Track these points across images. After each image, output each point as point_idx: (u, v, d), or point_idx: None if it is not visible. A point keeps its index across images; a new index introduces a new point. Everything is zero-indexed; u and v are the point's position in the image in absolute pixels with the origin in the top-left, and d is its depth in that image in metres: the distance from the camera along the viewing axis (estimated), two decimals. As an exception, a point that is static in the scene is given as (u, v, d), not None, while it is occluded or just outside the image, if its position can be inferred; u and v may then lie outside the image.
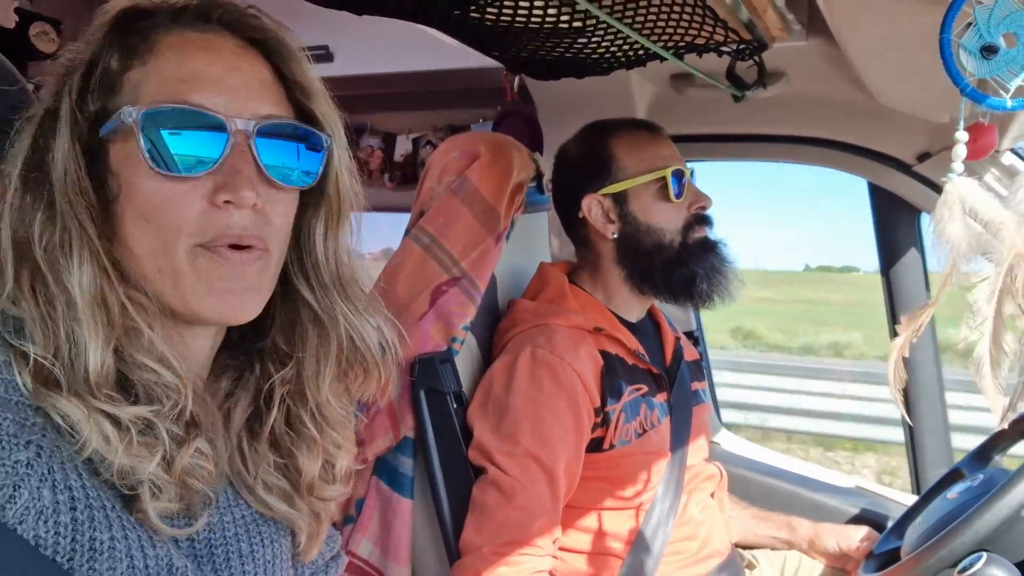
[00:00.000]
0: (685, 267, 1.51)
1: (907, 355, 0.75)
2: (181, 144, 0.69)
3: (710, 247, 1.54)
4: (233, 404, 0.83)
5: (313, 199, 0.81)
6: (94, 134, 0.70)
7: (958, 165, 0.66)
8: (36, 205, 0.68)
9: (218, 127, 0.70)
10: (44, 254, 0.66)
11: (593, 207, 1.55)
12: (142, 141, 0.68)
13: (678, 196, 1.52)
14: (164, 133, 0.68)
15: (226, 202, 0.70)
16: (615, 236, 1.54)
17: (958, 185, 0.65)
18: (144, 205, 0.70)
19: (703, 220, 1.55)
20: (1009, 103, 0.63)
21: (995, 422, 0.71)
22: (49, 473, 0.62)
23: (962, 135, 0.66)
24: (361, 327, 0.83)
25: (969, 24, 0.63)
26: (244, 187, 0.70)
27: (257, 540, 0.82)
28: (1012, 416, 0.71)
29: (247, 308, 0.74)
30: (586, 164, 1.57)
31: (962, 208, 0.64)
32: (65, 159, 0.68)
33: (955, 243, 0.63)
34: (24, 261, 0.67)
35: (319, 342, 0.82)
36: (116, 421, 0.65)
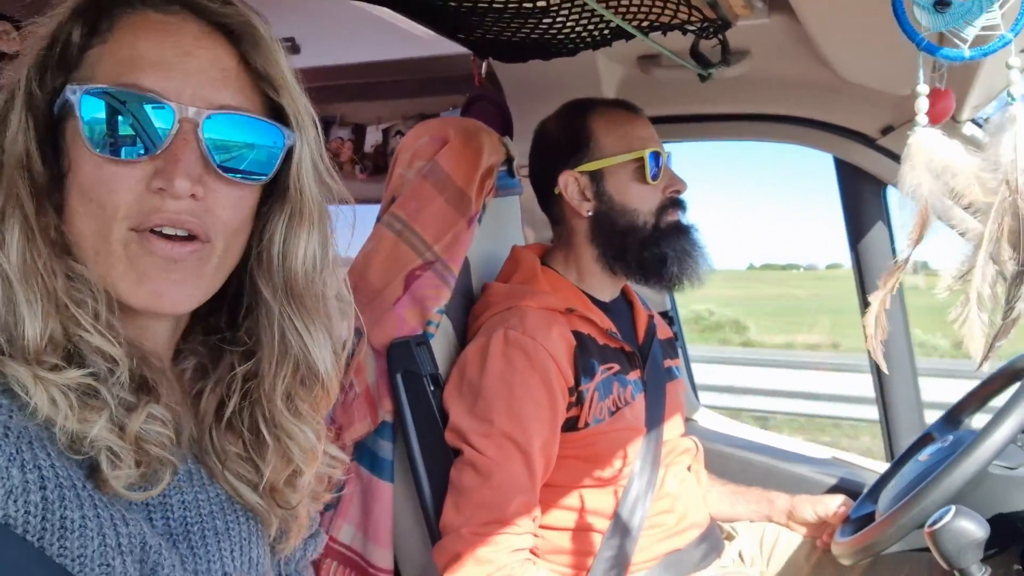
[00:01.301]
0: (657, 248, 1.52)
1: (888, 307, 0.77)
2: (122, 127, 0.68)
3: (683, 231, 1.55)
4: (202, 388, 0.82)
5: (276, 198, 0.79)
6: (50, 109, 0.70)
7: (922, 118, 0.67)
8: None
9: (162, 112, 0.69)
10: None
11: (569, 184, 1.56)
12: (81, 121, 0.68)
13: (654, 178, 1.53)
14: (105, 115, 0.67)
15: (160, 189, 0.69)
16: (590, 214, 1.55)
17: (920, 136, 0.66)
18: (85, 184, 0.69)
19: (677, 204, 1.56)
20: (967, 52, 0.64)
21: (979, 363, 0.72)
22: (18, 453, 0.61)
23: (923, 88, 0.67)
24: (311, 343, 0.80)
25: (922, -21, 0.64)
26: (179, 176, 0.68)
27: (232, 518, 0.82)
28: (991, 358, 0.72)
29: (178, 300, 0.72)
30: (564, 141, 1.58)
31: (926, 158, 0.65)
32: (15, 131, 0.69)
33: (920, 191, 0.65)
34: None
35: (275, 345, 0.80)
36: (62, 387, 0.64)
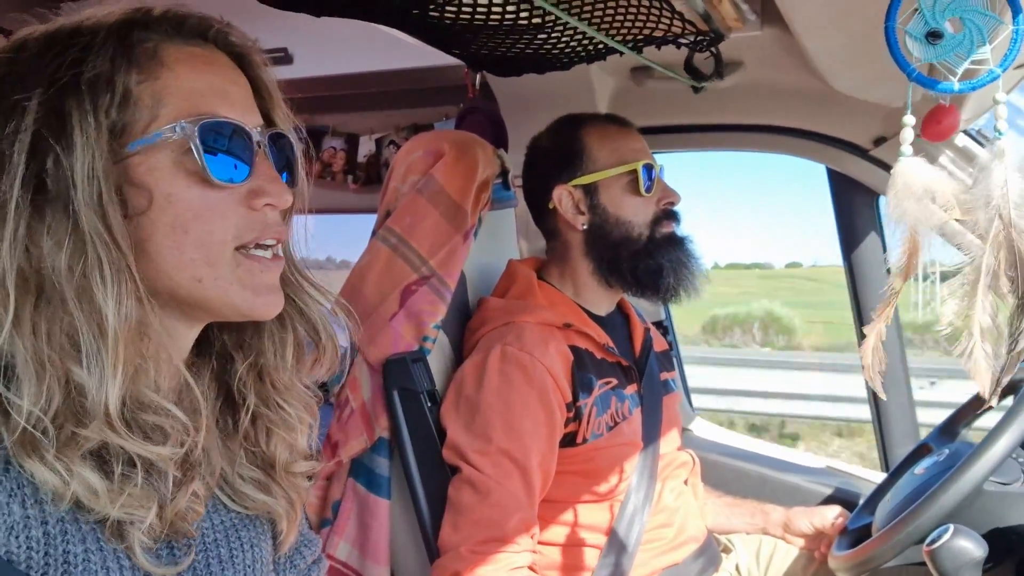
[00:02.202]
0: (652, 260, 1.53)
1: (884, 339, 0.77)
2: (223, 153, 0.71)
3: (677, 242, 1.56)
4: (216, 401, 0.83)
5: None
6: (113, 148, 0.68)
7: (906, 148, 0.67)
8: (53, 231, 0.64)
9: (246, 136, 0.73)
10: (71, 285, 0.63)
11: (563, 198, 1.56)
12: (196, 152, 0.69)
13: (648, 190, 1.54)
14: (206, 144, 0.70)
15: (267, 205, 0.74)
16: (584, 227, 1.56)
17: (906, 165, 0.66)
18: (183, 216, 0.69)
19: (671, 215, 1.57)
20: (956, 86, 0.64)
21: (986, 398, 0.73)
22: (19, 488, 0.61)
23: (909, 119, 0.68)
24: (316, 311, 0.85)
25: (915, 10, 0.65)
26: (284, 191, 0.74)
27: (236, 545, 0.82)
28: (998, 391, 0.73)
29: (280, 304, 0.78)
30: (558, 155, 1.59)
31: (910, 187, 0.65)
32: (90, 177, 0.65)
33: (908, 221, 0.65)
34: (28, 295, 0.64)
35: (280, 332, 0.84)
36: (106, 470, 0.64)
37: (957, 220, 0.66)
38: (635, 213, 1.54)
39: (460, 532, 1.33)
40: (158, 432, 0.67)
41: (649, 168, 1.54)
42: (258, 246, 0.74)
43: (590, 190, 1.55)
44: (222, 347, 0.84)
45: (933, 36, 0.64)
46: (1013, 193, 0.63)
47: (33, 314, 0.63)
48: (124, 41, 0.70)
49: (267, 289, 0.75)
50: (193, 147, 0.69)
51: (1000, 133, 0.64)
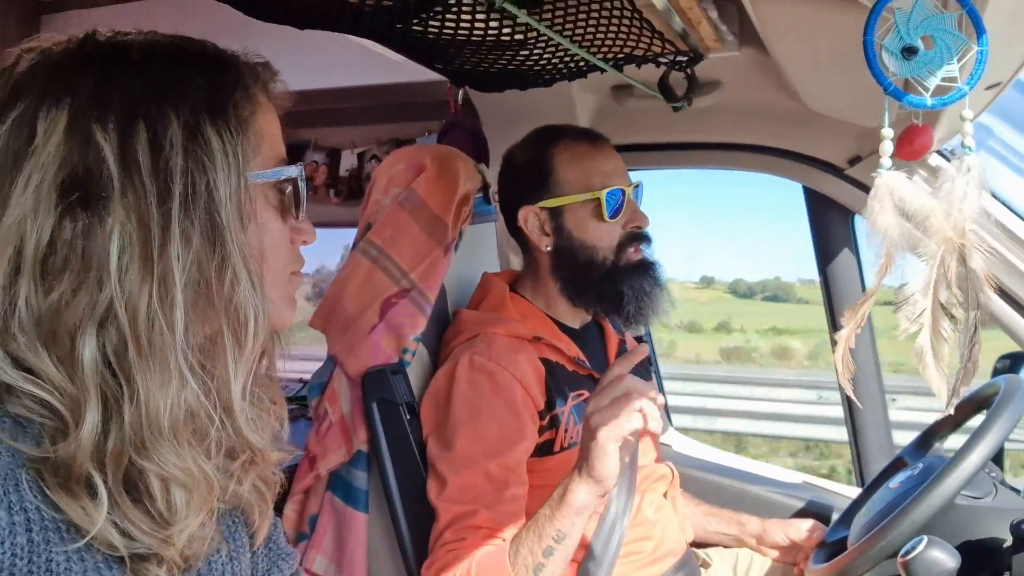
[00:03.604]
0: (615, 285, 1.52)
1: (852, 346, 0.79)
2: (297, 194, 0.79)
3: (642, 268, 1.54)
4: None
5: None
6: (245, 174, 0.71)
7: (886, 160, 0.69)
8: (207, 250, 0.67)
9: (302, 179, 0.80)
10: (228, 304, 0.69)
11: (530, 219, 1.57)
12: (298, 192, 0.78)
13: (612, 216, 1.52)
14: (295, 185, 0.78)
15: (303, 242, 0.82)
16: (548, 249, 1.56)
17: (887, 179, 0.68)
18: (267, 244, 0.75)
19: (638, 239, 1.56)
20: (929, 101, 0.66)
21: (942, 407, 0.75)
22: (5, 495, 0.61)
23: (888, 132, 0.70)
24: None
25: (890, 27, 0.67)
26: (312, 229, 0.83)
27: (229, 539, 0.82)
28: (956, 401, 0.75)
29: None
30: (527, 174, 1.59)
31: (891, 200, 0.67)
32: (233, 199, 0.69)
33: (887, 233, 0.67)
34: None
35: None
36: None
37: (930, 232, 0.68)
38: (600, 238, 1.53)
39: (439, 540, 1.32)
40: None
41: (617, 193, 1.53)
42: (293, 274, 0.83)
43: (555, 213, 1.55)
44: None
45: (908, 52, 0.65)
46: (970, 208, 0.65)
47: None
48: (247, 76, 0.75)
49: (294, 301, 0.83)
50: (299, 187, 0.78)
51: (969, 149, 0.66)
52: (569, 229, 1.54)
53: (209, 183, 0.67)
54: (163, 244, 0.65)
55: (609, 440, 1.14)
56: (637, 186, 1.59)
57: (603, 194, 1.51)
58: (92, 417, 0.63)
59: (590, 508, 1.19)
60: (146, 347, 0.64)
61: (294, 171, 0.77)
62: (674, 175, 1.85)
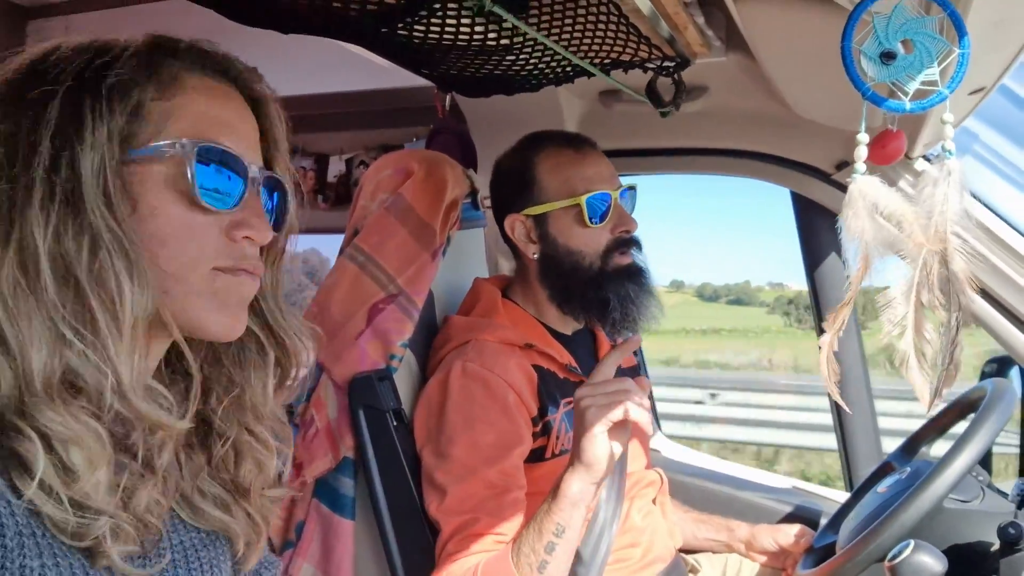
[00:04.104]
0: (600, 292, 1.51)
1: (836, 349, 0.79)
2: (214, 180, 0.73)
3: (630, 274, 1.53)
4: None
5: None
6: (119, 152, 0.70)
7: (860, 165, 0.69)
8: (67, 221, 0.67)
9: (241, 169, 0.75)
10: (90, 276, 0.66)
11: (516, 227, 1.56)
12: (189, 171, 0.71)
13: (596, 221, 1.51)
14: (200, 167, 0.72)
15: (246, 238, 0.75)
16: (535, 256, 1.56)
17: (860, 184, 0.68)
18: (163, 230, 0.71)
19: (625, 244, 1.54)
20: (908, 105, 0.66)
21: (924, 409, 0.75)
22: None
23: (863, 137, 0.70)
24: (292, 331, 0.87)
25: (869, 32, 0.67)
26: (266, 227, 0.77)
27: (196, 566, 0.81)
28: (939, 403, 0.75)
29: (244, 324, 0.78)
30: (512, 182, 1.59)
31: (866, 205, 0.67)
32: (99, 174, 0.68)
33: (863, 237, 0.67)
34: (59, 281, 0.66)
35: (261, 365, 0.85)
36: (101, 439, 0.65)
37: (905, 235, 0.68)
38: (586, 244, 1.52)
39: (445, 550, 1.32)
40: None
41: (601, 197, 1.51)
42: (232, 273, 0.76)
43: (540, 220, 1.55)
44: (205, 380, 0.83)
45: (887, 57, 0.66)
46: (951, 211, 0.65)
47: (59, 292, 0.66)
48: (149, 60, 0.74)
49: (235, 309, 0.76)
50: (188, 166, 0.71)
51: (949, 153, 0.66)
52: (554, 236, 1.54)
53: (74, 157, 0.67)
54: (22, 209, 0.66)
55: (596, 423, 1.14)
56: (625, 189, 1.57)
57: (583, 200, 1.50)
58: None
59: (586, 499, 1.19)
60: (13, 309, 0.64)
61: (185, 145, 0.71)
62: (649, 181, 1.85)
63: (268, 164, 0.83)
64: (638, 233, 1.57)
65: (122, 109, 0.70)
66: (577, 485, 1.17)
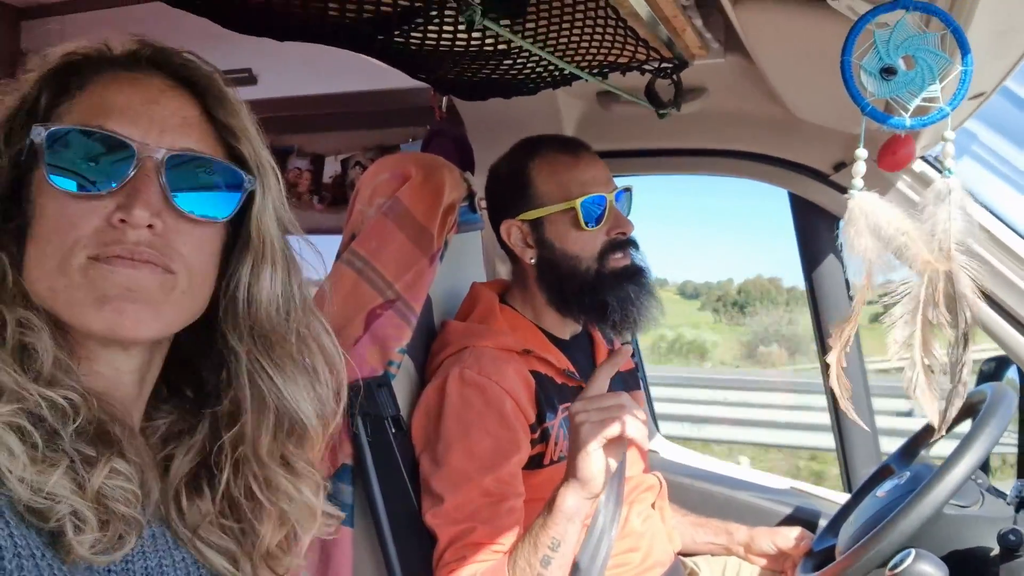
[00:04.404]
0: (599, 295, 1.51)
1: (845, 365, 0.78)
2: (86, 164, 0.71)
3: (627, 276, 1.52)
4: (173, 453, 0.81)
5: (239, 244, 0.81)
6: (19, 166, 0.72)
7: (858, 181, 0.69)
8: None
9: (125, 151, 0.72)
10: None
11: (512, 232, 1.56)
12: (45, 160, 0.70)
13: (592, 224, 1.50)
14: (69, 152, 0.70)
15: (120, 220, 0.71)
16: (532, 261, 1.55)
17: (859, 201, 0.67)
18: (46, 225, 0.71)
19: (621, 246, 1.53)
20: (908, 122, 0.66)
21: (936, 428, 0.74)
22: None
23: (862, 152, 0.69)
24: (286, 390, 0.81)
25: (870, 46, 0.66)
26: (137, 206, 0.71)
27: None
28: (948, 423, 0.74)
29: (140, 320, 0.72)
30: (507, 188, 1.58)
31: (867, 223, 0.66)
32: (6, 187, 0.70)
33: (867, 256, 0.66)
34: None
35: (256, 399, 0.80)
36: (22, 432, 0.63)
37: (903, 252, 0.67)
38: (582, 247, 1.52)
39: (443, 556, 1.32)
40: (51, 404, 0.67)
41: (597, 200, 1.51)
42: (122, 258, 0.71)
43: (536, 225, 1.54)
44: (217, 412, 0.81)
45: (887, 72, 0.65)
46: (955, 230, 0.65)
47: None
48: (60, 71, 0.76)
49: (115, 297, 0.70)
50: (42, 153, 0.70)
51: (949, 172, 0.66)
52: (551, 240, 1.53)
53: None
54: None
55: (591, 440, 1.14)
56: (621, 191, 1.57)
57: (578, 203, 1.50)
58: None
59: (581, 513, 1.19)
60: None
61: (40, 134, 0.70)
62: (637, 182, 1.83)
63: (230, 151, 0.80)
64: (635, 234, 1.57)
65: (19, 125, 0.73)
66: (572, 500, 1.17)
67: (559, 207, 1.52)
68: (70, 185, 0.70)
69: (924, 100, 0.65)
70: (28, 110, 0.74)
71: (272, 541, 0.81)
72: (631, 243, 1.55)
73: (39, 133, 0.71)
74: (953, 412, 0.69)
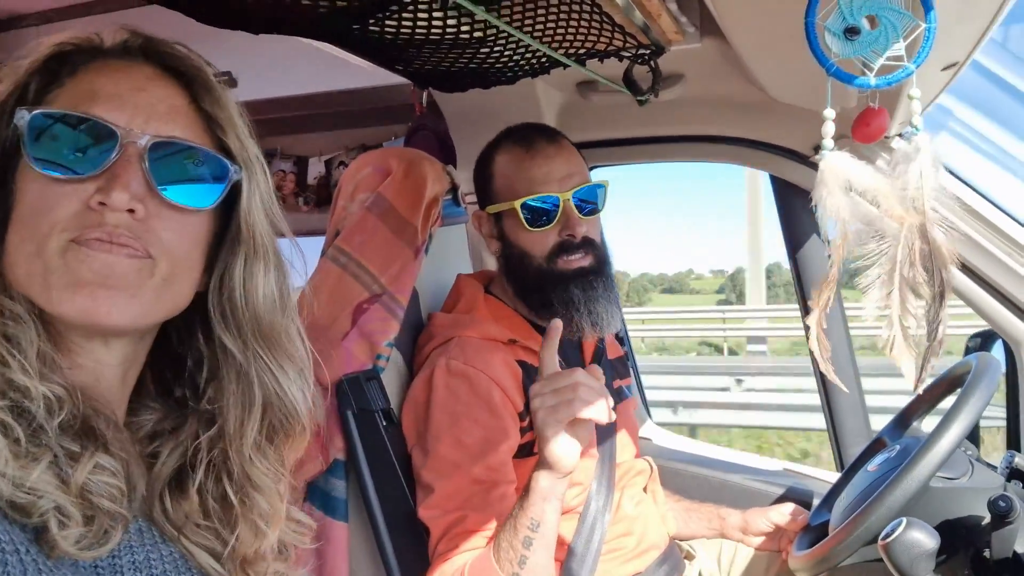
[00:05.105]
0: (545, 293, 1.51)
1: (825, 327, 0.79)
2: (67, 147, 0.71)
3: (574, 278, 1.49)
4: (158, 449, 0.81)
5: (230, 238, 0.81)
6: (6, 153, 0.72)
7: (828, 142, 0.69)
8: None
9: (108, 135, 0.72)
10: None
11: (482, 223, 1.58)
12: (28, 143, 0.70)
13: (535, 225, 1.48)
14: (50, 135, 0.71)
15: (100, 203, 0.70)
16: (497, 254, 1.57)
17: (831, 160, 0.68)
18: (26, 209, 0.71)
19: (570, 248, 1.49)
20: (872, 81, 0.66)
21: (911, 387, 0.75)
22: None
23: (830, 112, 0.69)
24: (285, 384, 0.82)
25: (834, 6, 0.67)
26: (116, 189, 0.70)
27: None
28: (925, 380, 0.75)
29: (114, 306, 0.71)
30: (478, 178, 1.61)
31: (838, 181, 0.67)
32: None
33: (841, 215, 0.66)
34: None
35: (241, 398, 0.80)
36: (4, 427, 0.63)
37: (879, 209, 0.68)
38: (531, 245, 1.51)
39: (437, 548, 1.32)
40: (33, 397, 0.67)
41: (541, 202, 1.48)
42: (100, 240, 0.70)
43: (497, 218, 1.56)
44: (198, 411, 0.82)
45: (851, 32, 0.65)
46: (928, 187, 0.65)
47: None
48: (51, 61, 0.76)
49: (91, 282, 0.69)
50: (23, 135, 0.70)
51: (916, 129, 0.66)
52: (508, 235, 1.54)
53: None
54: None
55: (548, 425, 1.14)
56: (584, 188, 1.51)
57: (518, 204, 1.48)
58: None
59: (556, 493, 1.19)
60: None
61: (23, 118, 0.70)
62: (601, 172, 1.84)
63: (217, 142, 0.80)
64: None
65: (8, 112, 0.73)
66: (545, 481, 1.18)
67: (509, 204, 1.51)
68: (51, 169, 0.71)
69: (889, 59, 0.65)
70: (18, 97, 0.74)
71: (250, 546, 0.81)
72: (582, 246, 1.50)
73: (22, 117, 0.71)
74: (929, 368, 0.70)
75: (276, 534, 0.84)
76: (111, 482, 0.68)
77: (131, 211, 0.71)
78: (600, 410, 1.14)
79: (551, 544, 1.21)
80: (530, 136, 1.57)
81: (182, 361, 0.85)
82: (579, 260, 1.50)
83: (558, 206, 1.48)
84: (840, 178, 0.67)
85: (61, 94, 0.75)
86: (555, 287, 1.49)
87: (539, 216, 1.49)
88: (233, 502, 0.80)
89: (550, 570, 1.22)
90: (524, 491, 1.20)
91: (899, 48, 0.65)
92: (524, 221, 1.48)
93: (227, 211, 0.81)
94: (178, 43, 0.81)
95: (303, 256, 0.90)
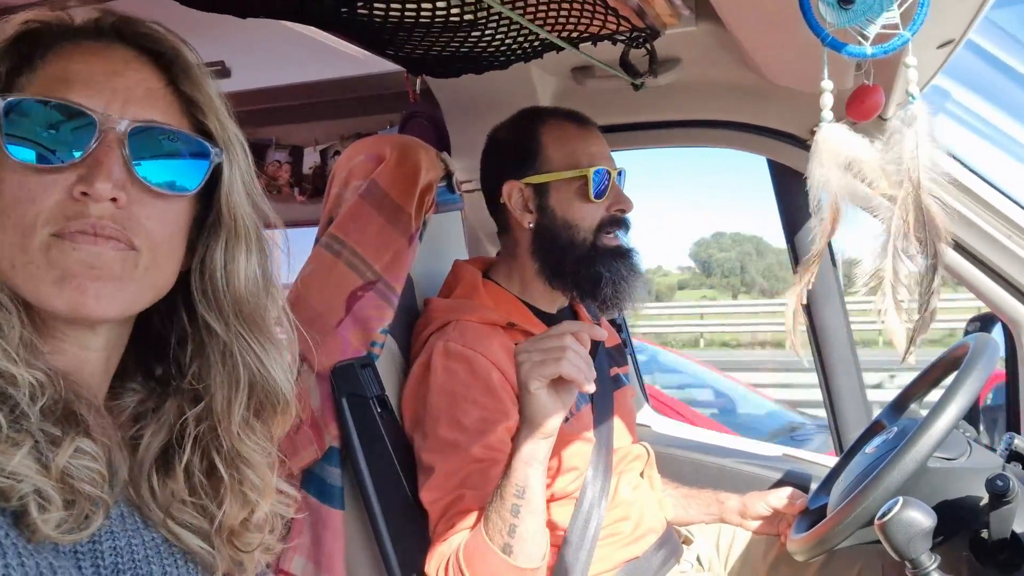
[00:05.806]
0: (593, 267, 1.52)
1: (805, 302, 0.78)
2: (45, 136, 0.69)
3: (620, 253, 1.54)
4: (142, 432, 0.80)
5: (211, 220, 0.80)
6: None
7: (827, 113, 0.68)
8: None
9: (86, 122, 0.70)
10: None
11: (514, 194, 1.55)
12: (4, 130, 0.68)
13: (598, 196, 1.52)
14: (27, 124, 0.69)
15: (82, 193, 0.69)
16: (531, 226, 1.55)
17: (826, 131, 0.67)
18: (6, 199, 0.69)
19: (618, 223, 1.55)
20: (869, 50, 0.65)
21: (902, 357, 0.74)
22: None
23: (827, 84, 0.68)
24: (268, 364, 0.81)
25: (828, -24, 0.66)
26: (99, 179, 0.69)
27: (170, 562, 0.78)
28: (914, 351, 0.74)
29: (102, 298, 0.71)
30: (514, 150, 1.58)
31: (833, 152, 0.66)
32: None
33: (831, 187, 0.66)
34: None
35: (228, 376, 0.80)
36: None
37: (872, 184, 0.67)
38: (583, 217, 1.53)
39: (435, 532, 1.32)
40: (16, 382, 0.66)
41: (603, 173, 1.53)
42: (84, 234, 0.70)
43: (541, 190, 1.54)
44: (182, 389, 0.81)
45: (845, 1, 0.64)
46: (924, 157, 0.64)
47: None
48: (21, 41, 0.74)
49: (77, 274, 0.69)
50: (1, 126, 0.69)
51: (912, 98, 0.65)
52: (552, 207, 1.54)
53: None
54: None
55: (531, 379, 1.15)
56: (620, 172, 1.58)
57: (591, 172, 1.51)
58: None
59: (538, 456, 1.19)
60: None
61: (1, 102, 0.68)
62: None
63: (196, 124, 0.78)
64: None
65: None
66: (527, 445, 1.18)
67: (567, 174, 1.53)
68: (29, 156, 0.69)
69: (884, 28, 0.64)
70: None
71: (235, 519, 0.81)
72: (626, 223, 1.57)
73: (16, 101, 0.69)
74: (920, 339, 0.69)
75: (268, 505, 0.84)
76: (92, 466, 0.68)
77: (114, 199, 0.70)
78: (584, 372, 1.14)
79: (539, 510, 1.20)
80: (576, 114, 1.62)
81: (164, 339, 0.84)
82: (621, 239, 1.56)
83: (608, 181, 1.54)
84: (834, 150, 0.66)
85: (34, 78, 0.73)
86: (601, 261, 1.51)
87: (599, 188, 1.52)
88: (223, 475, 0.80)
89: (541, 537, 1.22)
90: (508, 460, 1.20)
91: (894, 16, 0.64)
92: (591, 191, 1.51)
93: (208, 193, 0.80)
94: (154, 22, 0.79)
95: (288, 249, 0.88)
